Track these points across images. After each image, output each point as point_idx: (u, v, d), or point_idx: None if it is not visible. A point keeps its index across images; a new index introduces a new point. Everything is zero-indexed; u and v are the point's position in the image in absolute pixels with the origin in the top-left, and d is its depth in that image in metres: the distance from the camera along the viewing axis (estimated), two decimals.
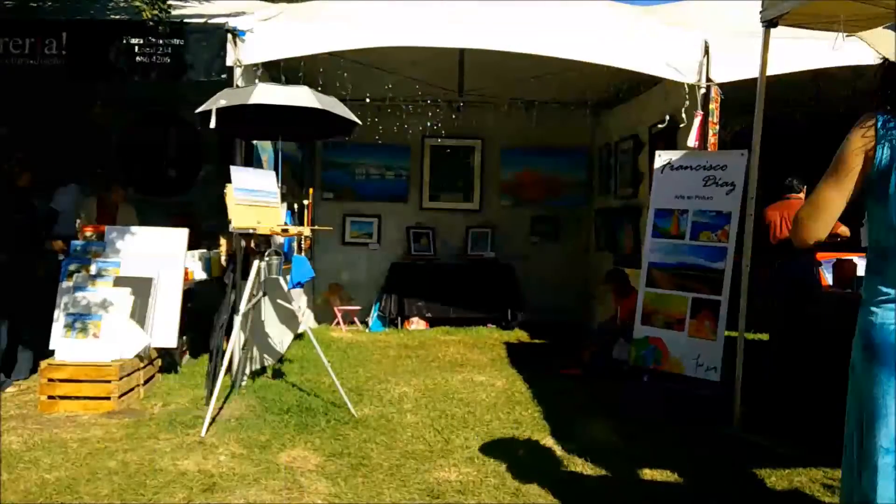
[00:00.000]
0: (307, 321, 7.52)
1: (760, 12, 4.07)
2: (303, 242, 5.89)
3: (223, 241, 6.19)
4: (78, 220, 6.08)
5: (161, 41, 5.15)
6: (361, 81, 7.09)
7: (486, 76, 7.29)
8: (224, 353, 4.73)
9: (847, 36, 3.89)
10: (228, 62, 5.14)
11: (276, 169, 5.24)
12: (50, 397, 4.62)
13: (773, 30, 4.11)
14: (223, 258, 6.18)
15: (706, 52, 5.24)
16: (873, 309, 2.03)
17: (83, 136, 7.07)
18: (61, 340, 4.81)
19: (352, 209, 8.46)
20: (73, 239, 5.44)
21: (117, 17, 5.47)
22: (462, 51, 6.66)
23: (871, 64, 4.64)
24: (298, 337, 6.71)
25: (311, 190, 6.39)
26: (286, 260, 5.41)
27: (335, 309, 7.98)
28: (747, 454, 3.98)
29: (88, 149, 7.20)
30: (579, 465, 3.81)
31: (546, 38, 5.33)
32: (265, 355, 5.78)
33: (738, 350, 4.45)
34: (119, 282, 5.17)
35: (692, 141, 5.23)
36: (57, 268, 5.30)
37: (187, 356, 5.96)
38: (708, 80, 5.24)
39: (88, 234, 5.49)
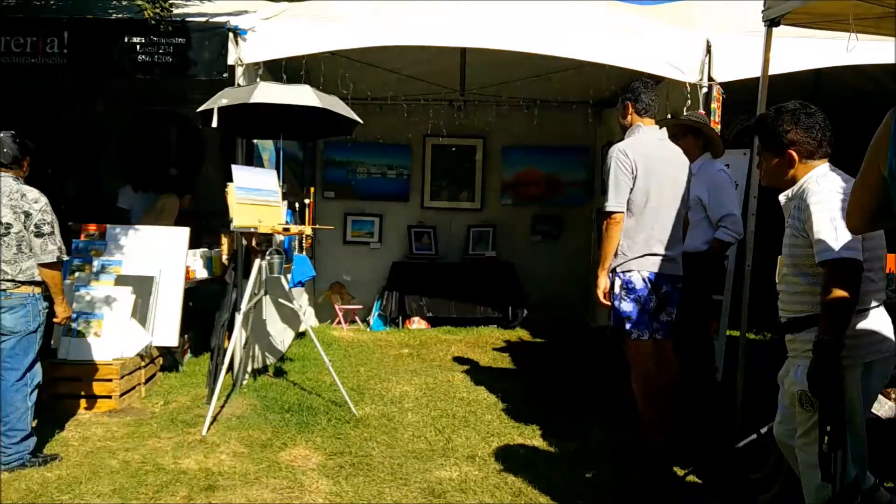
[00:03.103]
0: (308, 320, 7.52)
1: (762, 11, 4.06)
2: (304, 241, 5.87)
3: (224, 240, 6.19)
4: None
5: (163, 40, 5.14)
6: (362, 80, 7.09)
7: (488, 75, 7.29)
8: (225, 351, 4.74)
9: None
10: (230, 61, 5.14)
11: (277, 168, 5.24)
12: (51, 396, 4.63)
13: (775, 29, 4.10)
14: (224, 257, 6.18)
15: (708, 51, 5.23)
16: None
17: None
18: (63, 339, 4.81)
19: (353, 208, 8.44)
20: None
21: (119, 15, 5.47)
22: (463, 50, 6.66)
23: (872, 63, 4.67)
24: (300, 336, 6.72)
25: (312, 189, 6.39)
26: (287, 259, 5.41)
27: (336, 308, 7.97)
28: (747, 453, 3.97)
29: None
30: (581, 465, 3.81)
31: (547, 37, 5.32)
32: (266, 354, 5.79)
33: (740, 350, 4.44)
34: (120, 280, 5.17)
35: None
36: None
37: (189, 355, 5.96)
38: (710, 79, 5.22)
39: (90, 232, 5.49)
